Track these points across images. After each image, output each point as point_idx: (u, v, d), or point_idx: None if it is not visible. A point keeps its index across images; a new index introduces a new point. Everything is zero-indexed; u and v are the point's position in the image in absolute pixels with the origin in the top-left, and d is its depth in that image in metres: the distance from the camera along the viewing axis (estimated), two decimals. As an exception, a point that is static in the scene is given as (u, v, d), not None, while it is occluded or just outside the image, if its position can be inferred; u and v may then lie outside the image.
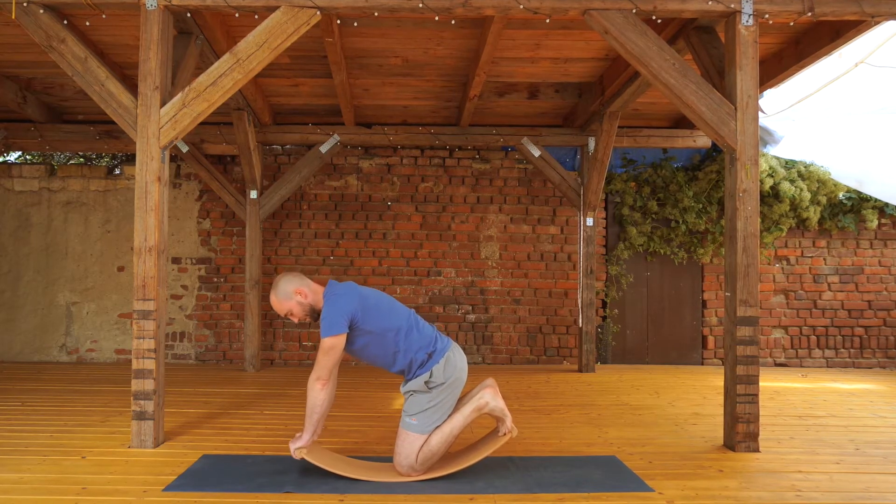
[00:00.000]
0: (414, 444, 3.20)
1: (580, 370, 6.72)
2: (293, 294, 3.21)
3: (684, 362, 7.30)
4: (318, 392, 3.16)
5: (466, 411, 3.26)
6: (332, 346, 3.11)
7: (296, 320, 3.27)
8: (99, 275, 7.13)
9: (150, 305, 3.78)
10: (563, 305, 7.26)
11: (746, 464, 3.57)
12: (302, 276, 3.28)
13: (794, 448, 3.89)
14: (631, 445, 3.92)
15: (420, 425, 3.20)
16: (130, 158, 7.39)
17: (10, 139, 6.78)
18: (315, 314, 3.25)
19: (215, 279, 7.18)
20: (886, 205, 7.19)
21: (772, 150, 6.88)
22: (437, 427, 3.23)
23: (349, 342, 3.20)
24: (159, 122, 3.81)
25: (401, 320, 3.25)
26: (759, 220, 3.80)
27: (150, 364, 3.76)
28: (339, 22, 4.45)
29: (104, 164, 7.49)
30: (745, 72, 3.82)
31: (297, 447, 3.20)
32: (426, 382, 3.22)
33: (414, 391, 3.25)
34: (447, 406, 3.26)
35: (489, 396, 3.29)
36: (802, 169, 7.13)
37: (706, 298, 7.34)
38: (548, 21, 4.28)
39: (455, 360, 3.28)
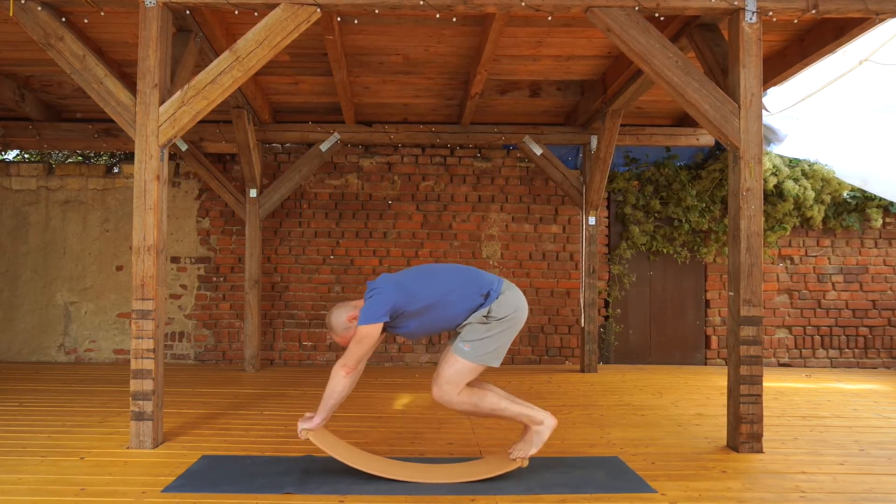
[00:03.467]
0: (460, 373, 3.16)
1: (582, 370, 6.69)
2: (348, 323, 3.17)
3: (687, 362, 7.27)
4: (342, 379, 3.15)
5: (525, 410, 3.25)
6: (366, 334, 3.08)
7: None
8: (97, 274, 7.10)
9: (149, 305, 3.75)
10: (565, 305, 7.23)
11: (750, 465, 3.54)
12: (347, 303, 3.26)
13: (797, 449, 3.87)
14: (633, 446, 3.90)
15: (472, 352, 3.16)
16: (129, 157, 7.36)
17: (8, 137, 6.76)
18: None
19: (215, 278, 7.16)
20: (891, 203, 7.16)
21: (775, 149, 6.85)
22: (499, 395, 3.21)
23: (403, 327, 3.19)
24: (158, 121, 3.79)
25: (444, 284, 3.21)
26: (763, 218, 3.77)
27: (148, 364, 3.74)
28: (339, 19, 4.43)
29: (103, 162, 7.47)
30: (749, 70, 3.80)
31: (306, 428, 3.18)
32: (485, 316, 3.18)
33: (472, 322, 3.20)
34: (502, 341, 3.21)
35: (548, 424, 3.26)
36: (806, 167, 7.10)
37: (709, 298, 7.31)
38: (550, 18, 4.25)
39: (514, 298, 3.24)
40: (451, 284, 3.21)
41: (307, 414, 3.27)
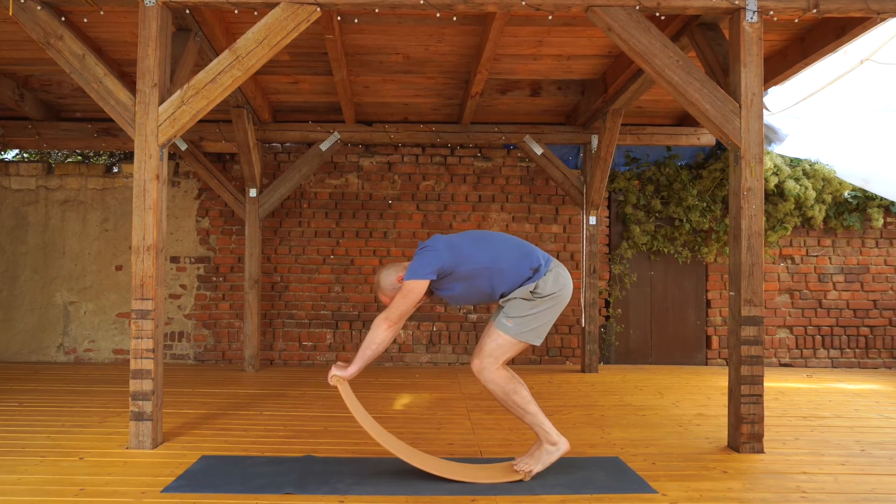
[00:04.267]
0: (501, 347, 3.16)
1: (583, 370, 6.68)
2: (397, 283, 3.17)
3: (688, 362, 7.26)
4: (383, 331, 3.14)
5: (546, 425, 3.23)
6: (411, 289, 3.07)
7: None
8: (97, 274, 7.09)
9: (149, 305, 3.74)
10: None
11: (751, 465, 3.53)
12: (395, 263, 3.26)
13: (798, 449, 3.86)
14: (634, 446, 3.89)
15: (515, 328, 3.15)
16: (129, 156, 7.35)
17: (8, 137, 6.74)
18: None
19: (214, 278, 7.15)
20: (892, 203, 7.16)
21: (776, 148, 6.84)
22: (530, 397, 3.20)
23: (450, 289, 3.18)
24: (158, 120, 3.78)
25: (499, 249, 3.19)
26: (764, 218, 3.77)
27: (148, 364, 3.73)
28: (339, 18, 4.42)
29: (102, 162, 7.46)
30: (750, 69, 3.79)
31: (337, 374, 3.18)
32: (531, 291, 3.16)
33: (517, 297, 3.18)
34: (546, 319, 3.20)
35: (562, 447, 3.25)
36: (807, 167, 7.09)
37: (710, 298, 7.30)
38: (550, 18, 4.25)
39: (562, 277, 3.23)
40: (502, 252, 3.19)
41: (340, 362, 3.26)
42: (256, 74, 5.71)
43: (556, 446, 3.25)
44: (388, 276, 3.20)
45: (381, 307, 6.68)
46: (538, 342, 3.23)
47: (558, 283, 3.20)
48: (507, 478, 3.22)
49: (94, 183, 7.15)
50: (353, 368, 3.19)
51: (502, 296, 3.22)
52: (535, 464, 3.23)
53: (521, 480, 3.20)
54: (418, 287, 3.08)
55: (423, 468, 3.20)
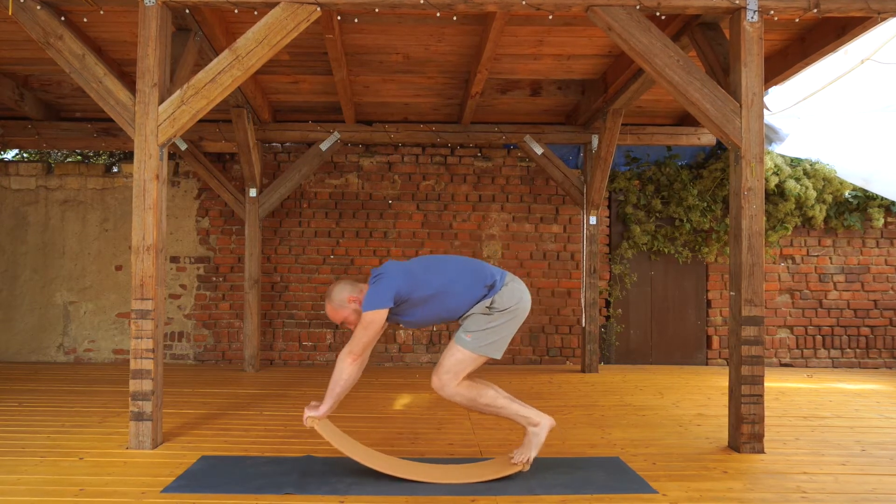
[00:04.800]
0: (461, 363, 3.16)
1: (583, 370, 6.68)
2: (347, 302, 3.19)
3: (689, 362, 7.26)
4: (348, 366, 3.14)
5: (522, 411, 3.24)
6: (372, 320, 3.08)
7: (352, 328, 3.23)
8: (97, 274, 7.09)
9: (149, 305, 3.74)
10: (566, 305, 7.22)
11: (751, 465, 3.53)
12: (353, 282, 3.26)
13: (799, 449, 3.85)
14: (634, 446, 3.88)
15: (473, 342, 3.15)
16: (128, 156, 7.34)
17: (7, 137, 6.74)
18: None
19: (214, 278, 7.15)
20: (893, 203, 7.15)
21: (777, 148, 6.83)
22: (499, 393, 3.20)
23: (406, 314, 3.19)
24: (157, 120, 3.77)
25: (449, 274, 3.21)
26: (765, 218, 3.76)
27: (148, 364, 3.72)
28: (339, 18, 4.41)
29: (102, 162, 7.45)
30: (750, 69, 3.78)
31: (311, 416, 3.17)
32: (487, 306, 3.18)
33: (474, 313, 3.20)
34: (505, 333, 3.20)
35: (545, 425, 3.25)
36: (808, 167, 7.09)
37: (711, 298, 7.30)
38: (550, 17, 4.24)
39: (518, 291, 3.24)
40: (456, 274, 3.21)
41: (313, 402, 3.26)
42: (256, 74, 5.70)
43: (540, 425, 3.24)
44: (342, 292, 3.20)
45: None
46: (498, 356, 3.23)
47: (514, 296, 3.21)
48: (506, 471, 3.21)
49: (93, 183, 7.15)
50: (325, 407, 3.18)
51: (461, 316, 3.24)
52: (529, 451, 3.23)
53: (521, 474, 3.19)
54: (378, 317, 3.08)
55: (423, 479, 3.18)
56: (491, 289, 3.19)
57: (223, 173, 7.08)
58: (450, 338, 7.16)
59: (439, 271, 3.22)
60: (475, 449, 3.82)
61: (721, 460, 3.61)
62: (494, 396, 3.22)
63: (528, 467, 3.22)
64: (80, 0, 3.85)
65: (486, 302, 3.17)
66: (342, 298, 3.19)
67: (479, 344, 3.16)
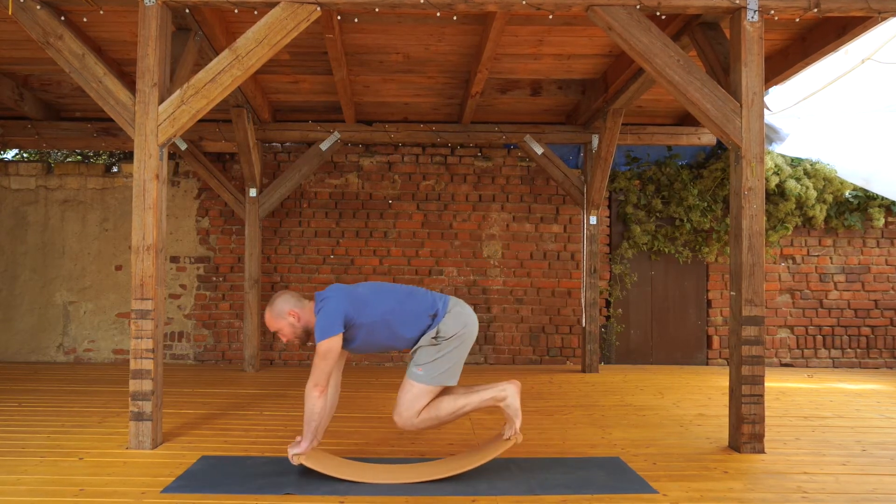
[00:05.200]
0: (418, 397, 3.16)
1: (583, 370, 6.67)
2: (286, 314, 3.19)
3: (689, 362, 7.26)
4: (316, 399, 3.13)
5: (485, 395, 3.23)
6: (328, 349, 3.08)
7: (284, 340, 3.25)
8: (96, 274, 7.09)
9: (149, 305, 3.73)
10: (567, 305, 7.21)
11: (752, 465, 3.53)
12: (300, 297, 3.26)
13: (799, 449, 3.85)
14: (635, 446, 3.88)
15: (426, 375, 3.17)
16: (128, 156, 7.34)
17: (7, 136, 6.74)
18: (307, 336, 3.23)
19: (214, 278, 7.14)
20: (893, 203, 7.15)
21: (777, 148, 6.83)
22: (453, 395, 3.20)
23: (352, 340, 3.19)
24: (157, 120, 3.77)
25: (393, 300, 3.22)
26: (765, 218, 3.77)
27: (148, 364, 3.72)
28: (339, 18, 4.41)
29: (102, 161, 7.45)
30: (751, 68, 3.78)
31: (295, 453, 3.17)
32: (434, 337, 3.19)
33: (422, 345, 3.21)
34: (455, 359, 3.21)
35: (511, 392, 3.25)
36: (808, 167, 7.08)
37: (711, 298, 7.29)
38: (551, 17, 4.24)
39: (462, 315, 3.24)
40: (400, 302, 3.21)
41: (297, 438, 3.27)
42: (256, 74, 5.70)
43: (507, 397, 3.24)
44: (285, 304, 3.19)
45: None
46: (454, 382, 3.23)
47: (459, 322, 3.22)
48: (502, 448, 3.23)
49: (93, 183, 7.14)
50: (306, 443, 3.18)
51: (410, 345, 3.23)
52: (513, 422, 3.24)
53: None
54: (334, 345, 3.08)
55: (424, 479, 3.18)
56: (434, 318, 3.20)
57: (223, 173, 7.08)
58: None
59: (385, 297, 3.22)
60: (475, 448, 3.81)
61: (721, 460, 3.61)
62: (452, 402, 3.21)
63: (520, 437, 3.25)
64: (79, 0, 3.84)
65: (432, 333, 3.18)
66: (283, 310, 3.19)
67: (433, 375, 3.17)
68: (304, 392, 3.15)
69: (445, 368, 3.19)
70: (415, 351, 3.23)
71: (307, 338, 3.23)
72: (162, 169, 3.82)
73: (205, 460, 3.49)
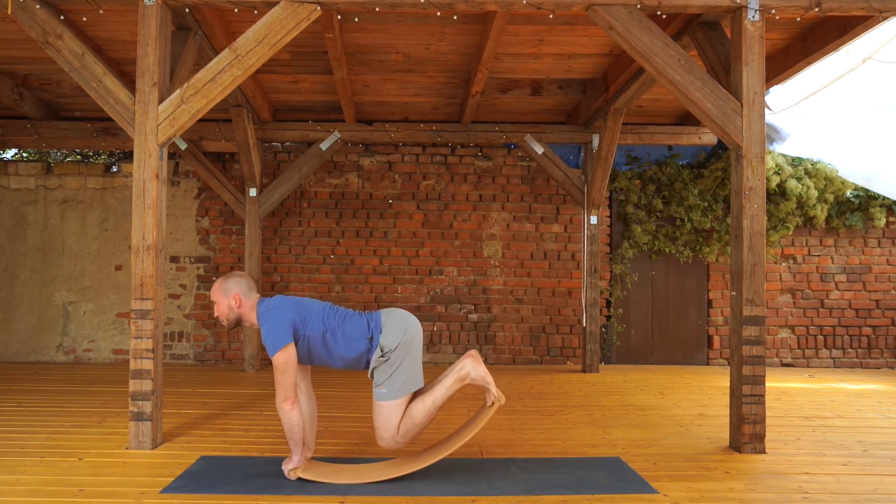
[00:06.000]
0: (390, 415, 3.15)
1: (584, 370, 6.67)
2: (231, 296, 3.18)
3: (690, 362, 7.25)
4: (290, 412, 3.10)
5: (448, 382, 3.21)
6: (285, 360, 3.06)
7: (216, 315, 3.24)
8: (96, 274, 7.08)
9: (148, 305, 3.73)
10: (567, 305, 7.21)
11: (752, 465, 3.52)
12: (252, 287, 3.24)
13: (800, 449, 3.84)
14: (635, 447, 3.87)
15: (389, 391, 3.15)
16: (128, 156, 7.34)
17: (7, 136, 6.73)
18: (236, 323, 3.23)
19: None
20: (894, 203, 7.14)
21: (778, 148, 6.82)
22: (419, 397, 3.19)
23: (300, 353, 3.16)
24: (157, 119, 3.76)
25: (331, 319, 3.20)
26: (766, 218, 3.75)
27: (148, 364, 3.72)
28: (339, 17, 4.40)
29: (101, 161, 7.44)
30: (751, 68, 3.77)
31: (291, 468, 3.17)
32: (380, 357, 3.17)
33: (375, 367, 3.20)
34: (410, 365, 3.19)
35: (470, 366, 3.22)
36: (809, 166, 7.07)
37: (712, 298, 7.28)
38: (551, 17, 4.23)
39: (397, 323, 3.21)
40: (336, 322, 3.19)
41: (286, 457, 3.27)
42: (256, 73, 5.69)
43: (468, 370, 3.21)
44: (236, 286, 3.19)
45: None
46: (420, 385, 3.22)
47: (397, 330, 3.19)
48: (487, 416, 3.21)
49: (93, 182, 7.14)
50: (297, 457, 3.17)
51: (355, 365, 3.22)
52: (488, 388, 3.21)
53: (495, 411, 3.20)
54: (288, 355, 3.06)
55: (414, 469, 3.18)
56: (371, 340, 3.19)
57: (223, 173, 7.07)
58: (450, 339, 7.15)
59: (325, 315, 3.20)
60: (475, 449, 3.81)
61: (722, 460, 3.60)
62: (421, 403, 3.18)
63: (503, 398, 3.22)
64: (79, -1, 3.84)
65: (378, 353, 3.16)
66: (230, 289, 3.18)
67: (395, 388, 3.16)
68: (278, 409, 3.12)
69: (405, 378, 3.17)
70: (371, 374, 3.22)
71: (236, 325, 3.24)
72: (162, 169, 3.81)
73: (204, 460, 3.49)
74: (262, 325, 3.12)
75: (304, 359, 3.22)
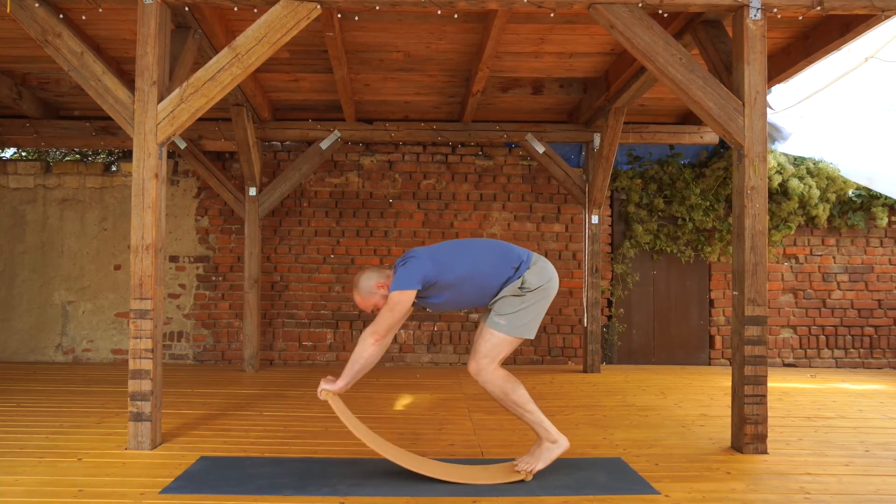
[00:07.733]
0: (497, 345, 3.16)
1: (585, 370, 6.65)
2: (375, 289, 3.18)
3: (691, 362, 7.23)
4: (370, 346, 3.13)
5: (546, 423, 3.25)
6: (398, 300, 3.06)
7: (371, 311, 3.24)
8: (95, 273, 7.07)
9: (148, 305, 3.71)
10: (568, 304, 7.19)
11: (754, 466, 3.51)
12: (379, 268, 3.25)
13: (802, 450, 3.83)
14: (637, 447, 3.86)
15: (508, 325, 3.15)
16: (127, 155, 7.32)
17: (5, 135, 6.72)
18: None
19: (214, 278, 7.12)
20: (896, 202, 7.13)
21: (780, 147, 6.80)
22: (528, 395, 3.21)
23: (434, 298, 3.17)
24: (157, 118, 3.75)
25: (478, 255, 3.20)
26: (768, 217, 3.75)
27: (147, 364, 3.70)
28: (339, 16, 4.39)
29: (101, 160, 7.43)
30: (753, 67, 3.76)
31: (326, 388, 3.17)
32: (519, 287, 3.16)
33: (505, 295, 3.18)
34: (537, 312, 3.19)
35: (563, 445, 3.26)
36: (811, 166, 7.06)
37: (713, 297, 7.27)
38: (552, 15, 4.21)
39: (547, 270, 3.23)
40: (482, 257, 3.20)
41: (329, 376, 3.26)
42: (256, 72, 5.68)
43: (557, 444, 3.25)
44: (369, 280, 3.19)
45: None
46: (532, 335, 3.23)
47: (544, 275, 3.21)
48: (508, 478, 3.19)
49: (92, 182, 7.12)
50: (342, 383, 3.18)
51: (494, 298, 3.22)
52: (536, 462, 3.22)
53: (522, 481, 3.17)
54: (405, 298, 3.07)
55: (424, 473, 3.17)
56: (517, 270, 3.18)
57: (223, 172, 7.06)
58: (450, 339, 7.13)
59: (466, 254, 3.21)
60: (476, 450, 3.80)
61: (724, 461, 3.59)
62: (527, 398, 3.22)
63: (530, 477, 3.19)
64: (78, -3, 3.83)
65: (517, 283, 3.16)
66: (370, 286, 3.18)
67: (515, 325, 3.16)
68: (360, 336, 3.14)
69: (527, 320, 3.17)
70: (496, 301, 3.20)
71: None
72: (161, 168, 3.80)
73: (204, 461, 3.48)
74: (397, 270, 3.12)
75: (452, 303, 3.21)
